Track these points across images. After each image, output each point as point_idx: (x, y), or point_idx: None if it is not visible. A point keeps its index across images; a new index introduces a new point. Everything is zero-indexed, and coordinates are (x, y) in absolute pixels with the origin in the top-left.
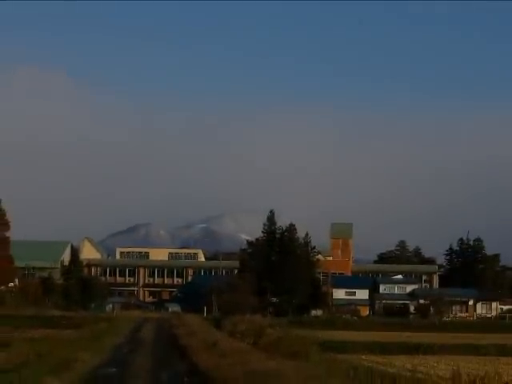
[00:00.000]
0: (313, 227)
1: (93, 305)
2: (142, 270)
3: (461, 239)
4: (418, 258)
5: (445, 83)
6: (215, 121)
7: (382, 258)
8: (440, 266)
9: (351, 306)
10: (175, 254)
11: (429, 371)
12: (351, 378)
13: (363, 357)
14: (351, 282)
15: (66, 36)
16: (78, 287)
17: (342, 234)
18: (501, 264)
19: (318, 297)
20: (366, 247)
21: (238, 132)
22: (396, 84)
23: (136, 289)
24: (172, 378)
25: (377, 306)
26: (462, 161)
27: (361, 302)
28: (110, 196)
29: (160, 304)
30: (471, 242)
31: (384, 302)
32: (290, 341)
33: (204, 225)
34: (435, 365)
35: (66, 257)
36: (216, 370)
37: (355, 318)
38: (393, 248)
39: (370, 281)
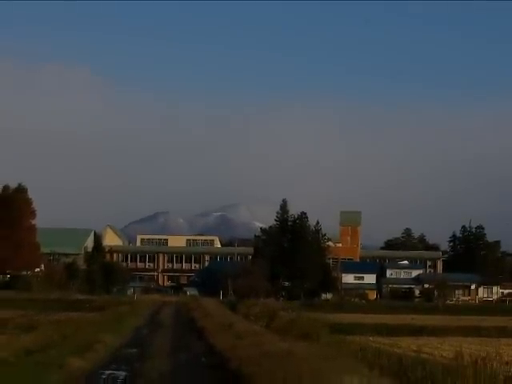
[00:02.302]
0: (323, 215)
1: (115, 289)
2: (161, 256)
3: (463, 227)
4: (423, 244)
5: (448, 78)
6: (230, 114)
7: (389, 245)
8: (444, 252)
9: (359, 290)
10: (193, 240)
11: (433, 352)
12: (359, 357)
13: (371, 338)
14: (359, 267)
15: (90, 34)
16: (101, 272)
17: (350, 221)
18: (501, 250)
19: (328, 281)
20: (374, 234)
21: (253, 127)
22: (401, 79)
23: (155, 274)
24: (190, 358)
25: (384, 290)
26: (464, 152)
27: (368, 287)
28: (131, 186)
29: (178, 288)
30: (473, 230)
31: (390, 286)
32: (301, 323)
33: (220, 213)
34: (439, 346)
35: (90, 243)
36: (232, 351)
37: (363, 301)
38: (399, 235)
39: (377, 266)
